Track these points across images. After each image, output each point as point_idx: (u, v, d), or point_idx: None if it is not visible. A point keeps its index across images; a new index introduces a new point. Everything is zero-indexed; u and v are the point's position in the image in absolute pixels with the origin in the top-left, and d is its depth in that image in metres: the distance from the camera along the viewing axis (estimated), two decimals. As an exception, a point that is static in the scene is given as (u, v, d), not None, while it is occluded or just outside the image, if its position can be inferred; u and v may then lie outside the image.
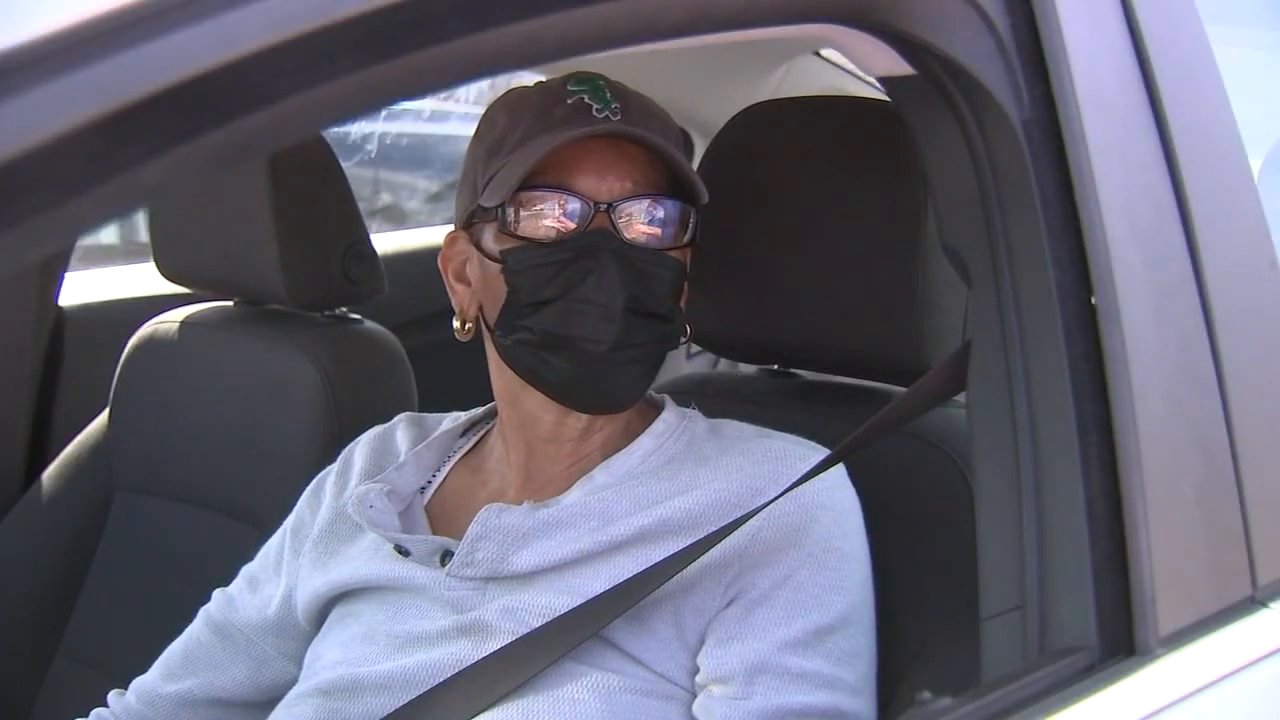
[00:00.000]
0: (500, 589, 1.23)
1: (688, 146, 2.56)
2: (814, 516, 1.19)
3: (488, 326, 1.28)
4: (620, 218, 1.21)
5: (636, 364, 1.24)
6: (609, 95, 1.24)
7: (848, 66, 2.38)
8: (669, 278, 1.23)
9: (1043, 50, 0.98)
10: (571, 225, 1.21)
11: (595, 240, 1.20)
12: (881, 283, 1.35)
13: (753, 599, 1.18)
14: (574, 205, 1.21)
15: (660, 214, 1.23)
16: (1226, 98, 1.10)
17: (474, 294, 1.30)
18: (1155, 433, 0.98)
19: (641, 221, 1.23)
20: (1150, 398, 0.98)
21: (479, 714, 1.16)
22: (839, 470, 1.23)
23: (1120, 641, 0.96)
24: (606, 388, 1.24)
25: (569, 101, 1.23)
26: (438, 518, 1.33)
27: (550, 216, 1.22)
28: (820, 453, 1.24)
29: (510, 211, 1.22)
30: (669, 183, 1.24)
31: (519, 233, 1.22)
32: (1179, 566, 0.99)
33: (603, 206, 1.21)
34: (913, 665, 1.24)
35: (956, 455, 1.28)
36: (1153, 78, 1.03)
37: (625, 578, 1.17)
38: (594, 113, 1.22)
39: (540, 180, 1.21)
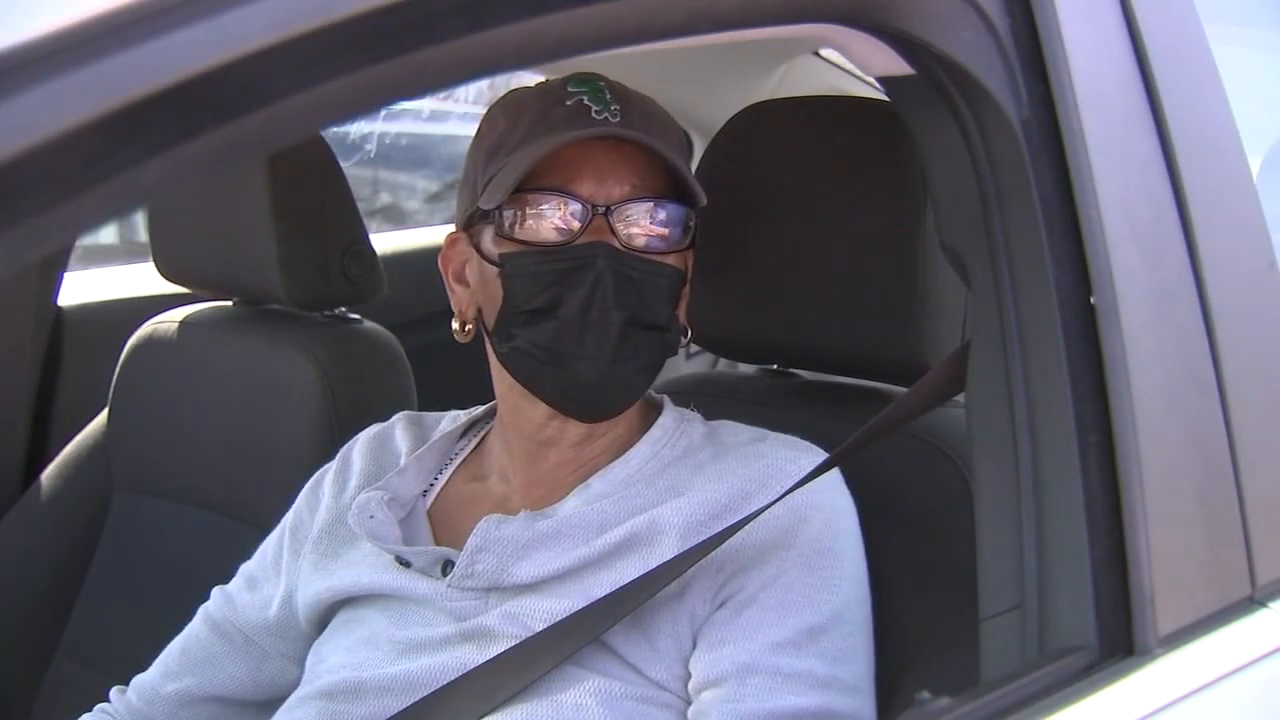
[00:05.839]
0: (501, 596, 1.23)
1: (687, 147, 2.56)
2: (805, 517, 1.19)
3: (486, 330, 1.28)
4: (619, 221, 1.21)
5: (635, 376, 1.24)
6: (609, 96, 1.23)
7: (847, 66, 2.38)
8: (666, 286, 1.23)
9: (1042, 50, 0.98)
10: (570, 229, 1.21)
11: (592, 252, 1.19)
12: (881, 283, 1.35)
13: (741, 601, 1.17)
14: (573, 208, 1.21)
15: (660, 217, 1.23)
16: (1226, 98, 1.10)
17: (473, 296, 1.29)
18: (1154, 432, 0.98)
19: (641, 225, 1.22)
20: (1149, 398, 0.98)
21: (482, 718, 1.16)
22: (833, 471, 1.23)
23: (1119, 641, 0.96)
24: (604, 399, 1.24)
25: (568, 103, 1.22)
26: (440, 524, 1.33)
27: (548, 220, 1.21)
28: (814, 453, 1.24)
29: (508, 214, 1.22)
30: (668, 185, 1.24)
31: (517, 236, 1.22)
32: (1178, 566, 0.99)
33: (601, 209, 1.20)
34: (912, 665, 1.24)
35: (956, 455, 1.28)
36: (1152, 78, 1.03)
37: (626, 581, 1.17)
38: (594, 114, 1.21)
39: (539, 183, 1.21)
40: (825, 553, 1.19)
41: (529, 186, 1.21)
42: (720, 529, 1.17)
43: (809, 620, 1.16)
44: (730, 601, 1.18)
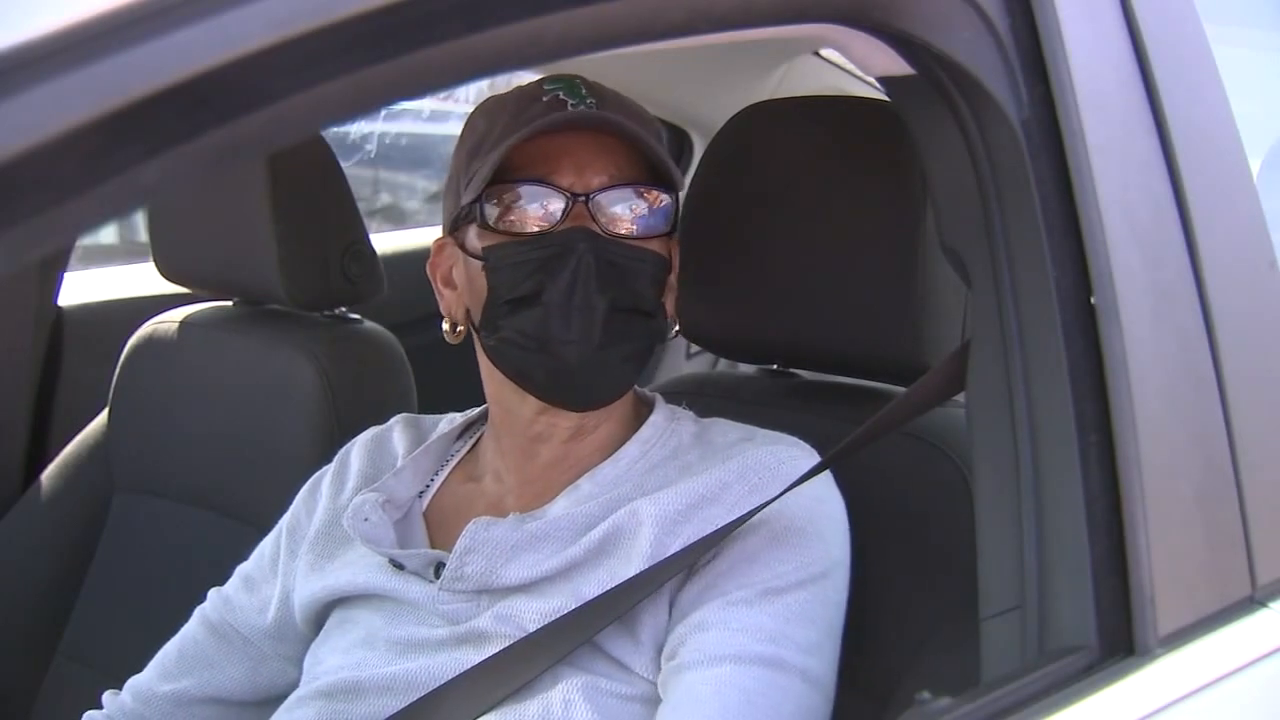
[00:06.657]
0: (492, 598, 1.23)
1: (687, 146, 2.56)
2: (783, 500, 1.18)
3: (474, 328, 1.28)
4: (599, 209, 1.22)
5: (623, 362, 1.24)
6: (584, 91, 1.25)
7: (847, 66, 2.38)
8: (649, 272, 1.23)
9: (1042, 50, 0.98)
10: (551, 218, 1.22)
11: (573, 238, 1.20)
12: (881, 283, 1.35)
13: (706, 578, 1.18)
14: (553, 197, 1.22)
15: (640, 204, 1.24)
16: (1226, 97, 1.10)
17: (460, 297, 1.30)
18: (1154, 432, 0.98)
19: (621, 212, 1.23)
20: (1149, 397, 0.98)
21: (477, 717, 1.16)
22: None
23: (1119, 641, 0.96)
24: (592, 386, 1.24)
25: (544, 99, 1.24)
26: (436, 526, 1.33)
27: (529, 210, 1.22)
28: (800, 448, 1.25)
29: (490, 208, 1.23)
30: (648, 173, 1.25)
31: (499, 228, 1.23)
32: (1178, 566, 0.99)
33: (581, 198, 1.21)
34: (912, 665, 1.24)
35: (956, 455, 1.28)
36: (1152, 77, 1.03)
37: (616, 578, 1.17)
38: (569, 107, 1.23)
39: (520, 175, 1.22)
40: (796, 531, 1.19)
41: (510, 179, 1.22)
42: (697, 519, 1.18)
43: (766, 584, 1.16)
44: (699, 580, 1.18)
